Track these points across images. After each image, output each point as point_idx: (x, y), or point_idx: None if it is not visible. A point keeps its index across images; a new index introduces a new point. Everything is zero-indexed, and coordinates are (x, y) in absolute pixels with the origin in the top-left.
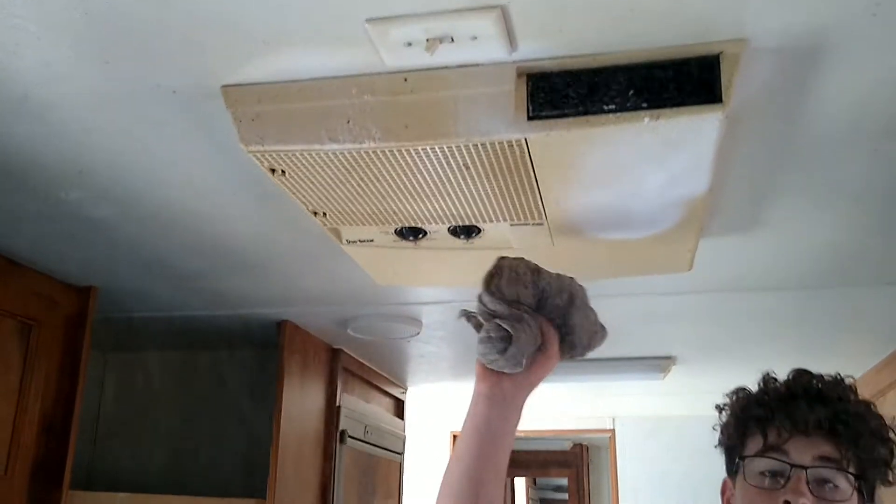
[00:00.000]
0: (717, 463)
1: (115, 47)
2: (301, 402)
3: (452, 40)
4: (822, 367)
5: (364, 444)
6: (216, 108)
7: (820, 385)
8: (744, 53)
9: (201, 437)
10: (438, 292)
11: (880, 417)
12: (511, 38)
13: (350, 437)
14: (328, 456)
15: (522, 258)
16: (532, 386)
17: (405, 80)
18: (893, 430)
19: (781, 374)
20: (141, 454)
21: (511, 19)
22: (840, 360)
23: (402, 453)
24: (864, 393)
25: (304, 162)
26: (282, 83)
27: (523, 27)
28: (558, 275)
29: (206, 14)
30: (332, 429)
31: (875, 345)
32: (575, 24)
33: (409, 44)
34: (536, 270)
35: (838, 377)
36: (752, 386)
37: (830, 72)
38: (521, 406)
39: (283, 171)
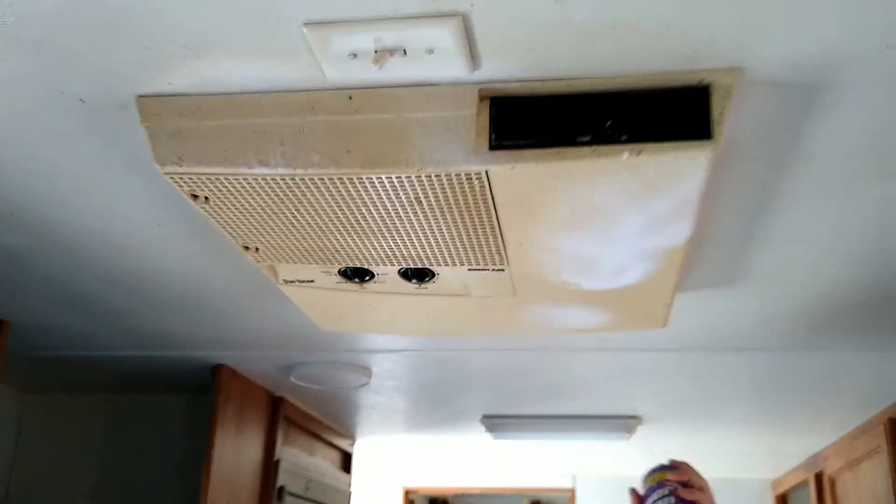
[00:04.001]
0: None
1: (5, 41)
2: (235, 455)
3: (405, 53)
4: (796, 431)
5: (304, 500)
6: (131, 121)
7: None
8: (738, 85)
9: (128, 489)
10: (390, 339)
11: None
12: (473, 54)
13: (289, 493)
14: None
15: None
16: None
17: (349, 98)
18: None
19: (753, 436)
20: None
21: (473, 31)
22: (813, 424)
23: None
24: (837, 462)
25: (230, 188)
26: (206, 96)
27: (488, 41)
28: None
29: (115, 7)
30: (269, 484)
31: (851, 411)
32: (548, 42)
33: (355, 55)
34: None
35: None
36: None
37: (833, 109)
38: None
39: (206, 198)
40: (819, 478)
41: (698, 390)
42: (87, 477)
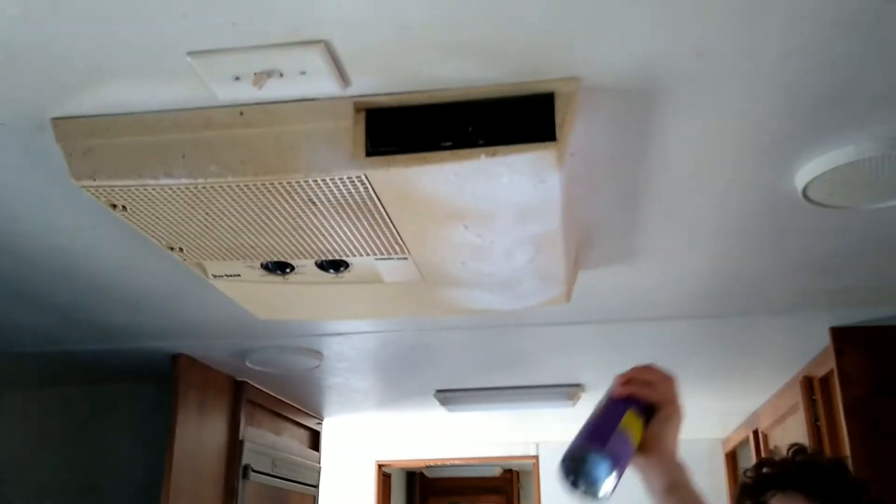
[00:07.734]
0: (638, 491)
1: None
2: (198, 438)
3: (281, 75)
4: (735, 393)
5: (272, 477)
6: (50, 140)
7: (799, 454)
8: (580, 92)
9: (95, 477)
10: (337, 324)
11: (854, 477)
12: (342, 74)
13: (254, 471)
14: (230, 492)
15: None
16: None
17: (241, 113)
18: (867, 490)
19: (697, 399)
20: (27, 498)
21: (337, 53)
22: (748, 386)
23: (316, 486)
24: (768, 419)
25: (143, 197)
26: (113, 116)
27: (352, 62)
28: None
29: (20, 41)
30: (234, 464)
31: (777, 372)
32: (406, 60)
33: (237, 77)
34: None
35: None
36: None
37: (668, 111)
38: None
39: (123, 207)
40: (756, 434)
41: (630, 358)
42: (59, 466)
